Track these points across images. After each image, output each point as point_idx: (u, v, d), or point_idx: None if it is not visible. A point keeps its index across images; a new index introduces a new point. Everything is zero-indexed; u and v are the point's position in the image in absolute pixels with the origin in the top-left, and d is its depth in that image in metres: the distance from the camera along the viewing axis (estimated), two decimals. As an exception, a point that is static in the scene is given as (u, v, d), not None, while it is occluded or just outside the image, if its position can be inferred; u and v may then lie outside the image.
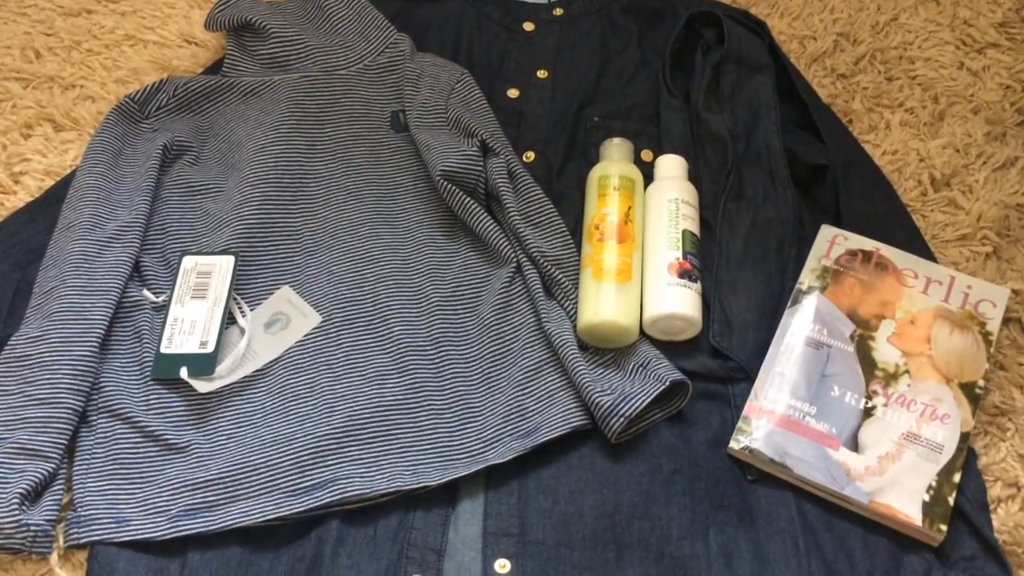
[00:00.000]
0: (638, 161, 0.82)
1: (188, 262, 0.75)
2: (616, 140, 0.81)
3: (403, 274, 0.76)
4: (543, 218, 0.76)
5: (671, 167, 0.79)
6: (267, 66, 0.87)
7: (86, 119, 0.87)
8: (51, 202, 0.80)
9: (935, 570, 0.62)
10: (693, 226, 0.76)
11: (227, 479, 0.65)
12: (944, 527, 0.63)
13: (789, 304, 0.73)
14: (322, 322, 0.73)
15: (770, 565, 0.63)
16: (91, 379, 0.68)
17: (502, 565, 0.63)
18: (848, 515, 0.65)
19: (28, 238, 0.77)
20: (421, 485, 0.65)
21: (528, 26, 0.93)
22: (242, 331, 0.72)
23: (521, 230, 0.74)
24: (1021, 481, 0.68)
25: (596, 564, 0.63)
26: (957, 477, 0.64)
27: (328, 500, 0.64)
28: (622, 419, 0.65)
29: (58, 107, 0.87)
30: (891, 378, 0.69)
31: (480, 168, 0.78)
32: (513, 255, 0.75)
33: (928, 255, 0.77)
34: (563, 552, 0.63)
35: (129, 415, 0.68)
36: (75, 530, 0.64)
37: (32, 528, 0.62)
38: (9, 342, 0.69)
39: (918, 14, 0.96)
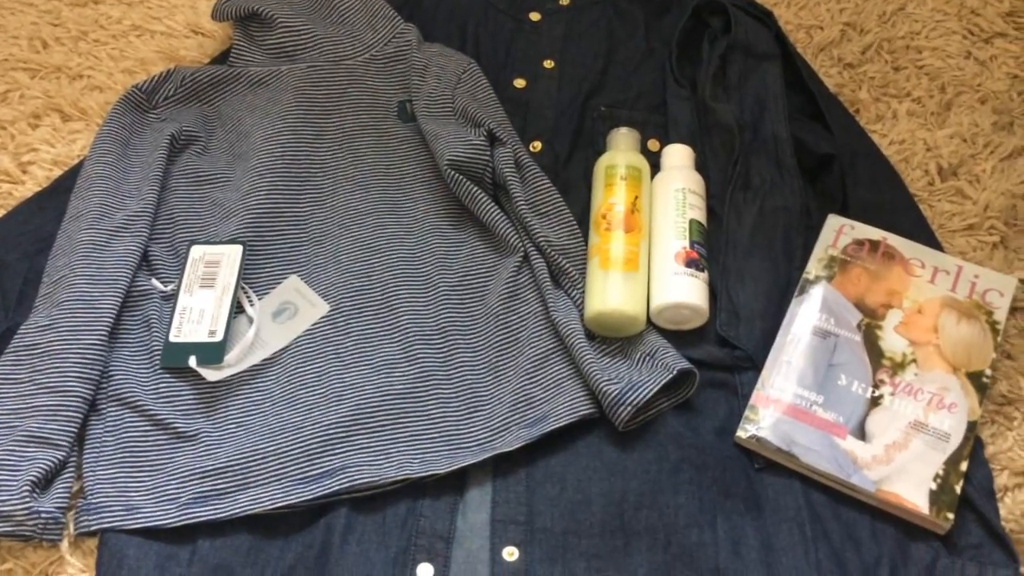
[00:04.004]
0: (645, 151, 0.82)
1: (196, 252, 0.75)
2: (623, 130, 0.81)
3: (411, 263, 0.76)
4: (550, 208, 0.76)
5: (678, 156, 0.79)
6: (274, 56, 0.88)
7: (94, 109, 0.87)
8: (59, 192, 0.80)
9: (942, 558, 0.62)
10: (700, 215, 0.76)
11: (236, 467, 0.66)
12: (951, 515, 0.63)
13: (796, 293, 0.73)
14: (330, 311, 0.73)
15: (777, 553, 0.63)
16: (100, 367, 0.69)
17: (510, 553, 0.63)
18: (855, 503, 0.65)
19: (37, 228, 0.78)
20: (429, 473, 0.65)
21: (534, 16, 0.93)
22: (250, 320, 0.73)
23: (528, 219, 0.75)
24: (1028, 470, 0.68)
25: (604, 552, 0.63)
26: (964, 466, 0.65)
27: (337, 488, 0.64)
28: (629, 407, 0.65)
29: (66, 97, 0.87)
30: (898, 367, 0.69)
31: (487, 158, 0.78)
32: (520, 244, 0.75)
33: (935, 244, 0.77)
34: (571, 540, 0.64)
35: (138, 403, 0.68)
36: (85, 518, 0.64)
37: (43, 515, 0.62)
38: (19, 331, 0.70)
39: (925, 3, 0.95)
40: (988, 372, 0.69)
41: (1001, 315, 0.71)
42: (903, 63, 0.91)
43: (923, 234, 0.78)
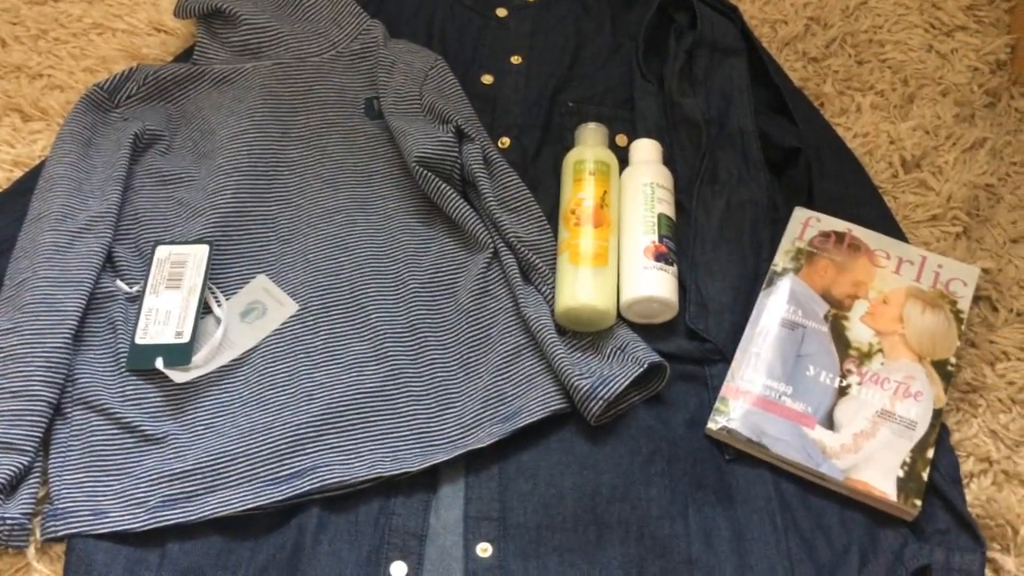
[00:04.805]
0: (613, 146, 0.83)
1: (162, 252, 0.74)
2: (591, 125, 0.81)
3: (380, 261, 0.75)
4: (519, 203, 0.76)
5: (646, 151, 0.80)
6: (238, 54, 0.87)
7: (55, 109, 0.85)
8: (20, 193, 0.78)
9: (910, 544, 0.63)
10: (668, 209, 0.76)
11: (205, 469, 0.65)
12: (918, 502, 0.64)
13: (764, 286, 0.74)
14: (299, 310, 0.73)
15: (749, 543, 0.64)
16: (65, 371, 0.67)
17: (484, 549, 0.63)
18: (825, 492, 0.66)
19: (-3, 230, 0.77)
20: (401, 471, 0.65)
21: (501, 12, 0.92)
22: (218, 321, 0.72)
23: (497, 215, 0.74)
24: (993, 456, 0.69)
25: (577, 546, 0.63)
26: (930, 453, 0.65)
27: (308, 488, 0.64)
28: (601, 401, 0.65)
29: (26, 97, 0.86)
30: (865, 357, 0.70)
31: (455, 154, 0.78)
32: (490, 241, 0.75)
33: (900, 235, 0.78)
34: (544, 534, 0.64)
35: (105, 407, 0.67)
36: (52, 523, 0.63)
37: (8, 522, 0.61)
38: (-20, 335, 0.68)
39: (887, -2, 0.96)
40: (953, 360, 0.70)
41: (965, 304, 0.72)
42: (866, 57, 0.92)
43: (888, 225, 0.79)
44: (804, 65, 0.91)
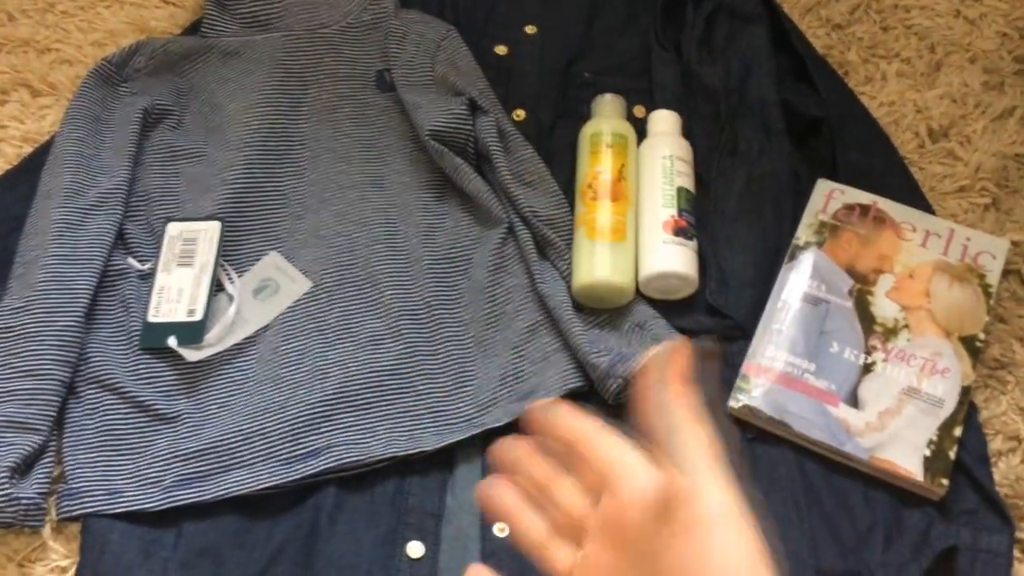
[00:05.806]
0: (631, 117, 0.81)
1: (173, 229, 0.73)
2: (608, 96, 0.79)
3: (393, 237, 0.74)
4: (535, 177, 0.75)
5: (664, 123, 0.78)
6: (247, 26, 0.85)
7: (63, 83, 0.84)
8: (30, 170, 0.77)
9: (936, 524, 0.62)
10: (688, 183, 0.75)
11: (220, 448, 0.64)
12: (945, 481, 0.62)
13: (786, 260, 0.72)
14: (312, 287, 0.72)
15: (771, 523, 0.62)
16: (77, 349, 0.67)
17: (501, 528, 0.63)
18: (849, 472, 0.65)
19: (7, 207, 0.76)
20: (417, 450, 0.64)
21: (515, -20, 0.90)
22: (230, 298, 0.71)
23: (513, 190, 0.73)
24: (1022, 434, 0.67)
25: (595, 525, 0.62)
26: (958, 431, 0.64)
27: (323, 467, 0.63)
28: (619, 380, 0.64)
29: (34, 71, 0.85)
30: (890, 333, 0.68)
31: (469, 127, 0.76)
32: (505, 216, 0.74)
33: (926, 207, 0.76)
34: (562, 514, 0.63)
35: (117, 385, 0.67)
36: (67, 503, 0.63)
37: (23, 502, 0.61)
38: (-8, 314, 0.68)
39: (914, -39, 0.93)
40: (981, 336, 0.68)
41: (994, 278, 0.71)
42: (892, 23, 0.89)
43: (914, 197, 0.77)
44: (827, 32, 0.89)
